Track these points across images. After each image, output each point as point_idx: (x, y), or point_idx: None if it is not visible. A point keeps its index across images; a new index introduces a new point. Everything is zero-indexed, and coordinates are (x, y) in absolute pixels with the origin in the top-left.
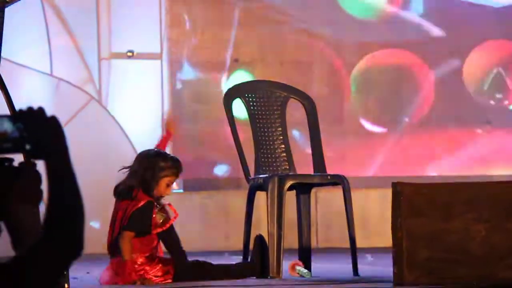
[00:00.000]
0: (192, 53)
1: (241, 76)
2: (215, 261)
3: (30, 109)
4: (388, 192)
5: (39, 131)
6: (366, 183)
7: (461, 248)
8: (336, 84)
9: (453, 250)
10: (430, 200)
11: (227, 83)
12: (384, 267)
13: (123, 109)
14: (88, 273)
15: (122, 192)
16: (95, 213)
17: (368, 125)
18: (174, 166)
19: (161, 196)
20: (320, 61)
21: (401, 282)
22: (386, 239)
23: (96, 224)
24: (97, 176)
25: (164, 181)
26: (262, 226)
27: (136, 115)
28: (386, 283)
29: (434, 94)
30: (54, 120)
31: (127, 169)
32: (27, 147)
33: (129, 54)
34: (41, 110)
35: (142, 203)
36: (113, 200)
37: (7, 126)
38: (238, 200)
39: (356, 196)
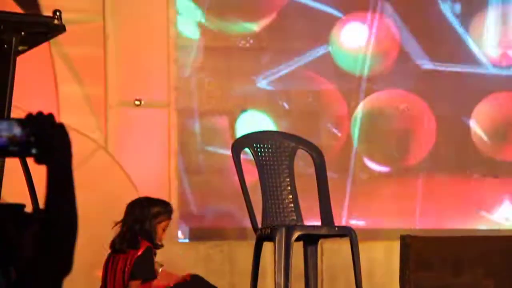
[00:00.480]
0: (200, 102)
1: (249, 126)
2: None
3: (40, 114)
4: (394, 244)
5: (47, 136)
6: (372, 235)
7: None
8: (344, 133)
9: None
10: (439, 254)
11: (235, 132)
12: None
13: (130, 158)
14: None
15: (120, 246)
16: (99, 263)
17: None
18: (167, 210)
19: (159, 243)
20: (327, 110)
21: None
22: None
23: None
24: (104, 226)
25: (160, 227)
26: (268, 277)
27: (143, 164)
28: None
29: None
30: (62, 127)
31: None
32: (33, 151)
33: (137, 102)
34: (50, 116)
35: (141, 250)
36: None
37: (16, 129)
38: (244, 250)
39: (362, 247)
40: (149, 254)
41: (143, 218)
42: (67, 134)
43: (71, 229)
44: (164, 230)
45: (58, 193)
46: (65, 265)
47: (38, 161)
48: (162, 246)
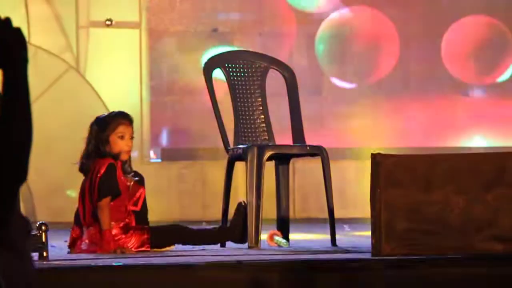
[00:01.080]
0: (171, 23)
1: (221, 46)
2: None
3: None
4: (366, 163)
5: (3, 40)
6: (344, 154)
7: (439, 220)
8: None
9: (431, 222)
10: (410, 171)
11: (206, 52)
12: (361, 238)
13: (101, 78)
14: (66, 241)
15: (84, 167)
16: (72, 181)
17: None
18: (118, 116)
19: (123, 153)
20: (299, 32)
21: (378, 252)
22: (363, 210)
23: (73, 193)
24: (75, 144)
25: (115, 135)
26: (240, 196)
27: (114, 84)
28: (364, 254)
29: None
30: (18, 31)
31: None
32: None
33: (108, 22)
34: (7, 20)
35: (103, 169)
36: None
37: None
38: (216, 170)
39: (334, 167)
40: (112, 170)
41: (98, 133)
42: (24, 38)
43: (26, 134)
44: (122, 137)
45: (13, 96)
46: (20, 172)
47: None
48: (125, 158)
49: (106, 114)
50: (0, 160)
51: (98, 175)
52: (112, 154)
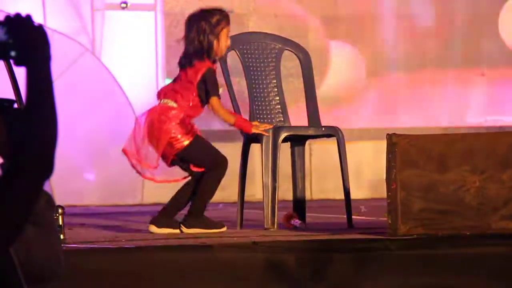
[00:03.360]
0: (186, 5)
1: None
2: (210, 213)
3: (18, 15)
4: (383, 144)
5: (25, 37)
6: (360, 134)
7: (455, 199)
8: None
9: (447, 201)
10: (425, 152)
11: None
12: (378, 218)
13: (117, 61)
14: (83, 224)
15: (186, 58)
16: (89, 164)
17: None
18: (224, 14)
19: (221, 55)
20: (314, 13)
21: (395, 232)
22: (380, 191)
23: (91, 176)
24: (91, 127)
25: (224, 33)
26: (256, 178)
27: (130, 66)
28: (380, 234)
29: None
30: (41, 28)
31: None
32: (13, 53)
33: (123, 5)
34: (29, 17)
35: (203, 70)
36: (108, 150)
37: None
38: (233, 152)
39: (350, 147)
40: (214, 73)
41: (206, 28)
42: (46, 35)
43: (52, 129)
44: (228, 36)
45: (38, 94)
46: (46, 166)
47: (17, 63)
48: (223, 54)
49: (213, 9)
50: (28, 155)
51: (206, 67)
52: (216, 55)
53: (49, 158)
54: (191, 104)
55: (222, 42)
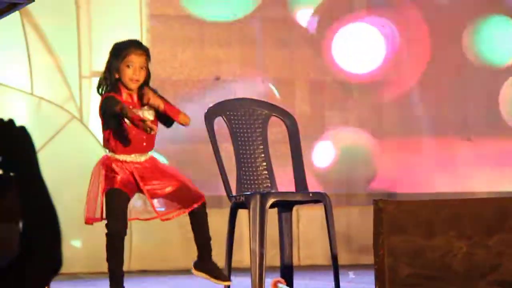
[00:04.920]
0: (173, 71)
1: (223, 94)
2: (197, 280)
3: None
4: (371, 209)
5: (9, 142)
6: (348, 200)
7: (442, 265)
8: (318, 101)
9: (434, 267)
10: (412, 217)
11: (208, 100)
12: (366, 284)
13: None
14: None
15: (99, 91)
16: (76, 232)
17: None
18: (125, 44)
19: (130, 82)
20: (302, 78)
21: None
22: (368, 256)
23: (77, 243)
24: (78, 195)
25: (124, 65)
26: (244, 244)
27: None
28: None
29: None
30: (23, 131)
31: None
32: None
33: None
34: (10, 121)
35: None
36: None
37: None
38: (220, 218)
39: (339, 213)
40: (107, 99)
41: (107, 67)
42: (29, 136)
43: (51, 233)
44: (129, 66)
45: (31, 197)
46: (51, 267)
47: (3, 168)
48: (133, 88)
49: (121, 41)
50: (36, 255)
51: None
52: (124, 87)
53: (56, 255)
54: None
55: (125, 76)
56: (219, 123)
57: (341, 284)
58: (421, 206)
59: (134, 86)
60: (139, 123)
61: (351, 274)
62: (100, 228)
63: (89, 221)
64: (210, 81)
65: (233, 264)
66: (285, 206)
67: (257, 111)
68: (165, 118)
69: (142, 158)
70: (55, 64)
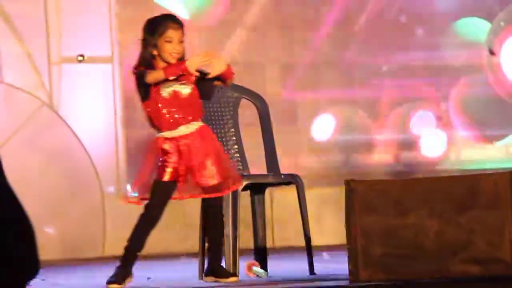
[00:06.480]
0: None
1: None
2: (171, 265)
3: None
4: (342, 190)
5: None
6: (320, 181)
7: (414, 244)
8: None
9: (406, 246)
10: (383, 197)
11: None
12: (339, 264)
13: (75, 114)
14: (43, 280)
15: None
16: (49, 218)
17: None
18: (162, 19)
19: (171, 58)
20: (272, 62)
21: (356, 279)
22: (341, 237)
23: (50, 230)
24: (50, 181)
25: (163, 40)
26: None
27: (88, 119)
28: (341, 281)
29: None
30: None
31: None
32: None
33: (80, 58)
34: None
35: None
36: (68, 204)
37: None
38: (194, 202)
39: (311, 194)
40: (141, 74)
41: (147, 38)
42: None
43: (28, 236)
44: (169, 42)
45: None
46: (27, 272)
47: None
48: (175, 59)
49: (155, 17)
50: (11, 259)
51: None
52: (161, 63)
53: (31, 260)
54: None
55: (165, 51)
56: None
57: (314, 265)
58: (392, 186)
59: (174, 61)
60: (183, 71)
61: (325, 255)
62: (74, 215)
63: (128, 201)
64: None
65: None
66: (257, 188)
67: (227, 93)
68: (206, 88)
69: (189, 129)
70: (24, 51)
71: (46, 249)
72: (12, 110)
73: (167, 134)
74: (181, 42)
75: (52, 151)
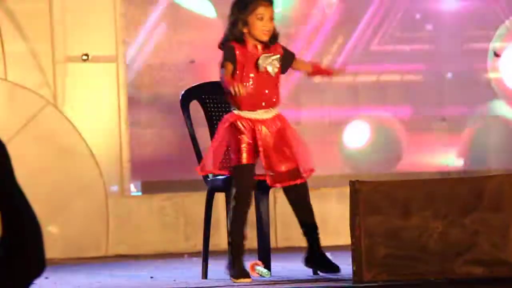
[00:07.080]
0: (148, 56)
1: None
2: (174, 264)
3: None
4: (347, 191)
5: None
6: (324, 182)
7: (418, 245)
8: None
9: (411, 247)
10: (388, 198)
11: (183, 84)
12: (343, 265)
13: (79, 113)
14: (46, 278)
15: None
16: (52, 217)
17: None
18: None
19: (262, 34)
20: None
21: (360, 280)
22: (345, 237)
23: (54, 229)
24: (54, 180)
25: (254, 17)
26: (221, 226)
27: (93, 118)
28: (345, 281)
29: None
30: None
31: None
32: None
33: (84, 57)
34: None
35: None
36: (71, 203)
37: None
38: (197, 201)
39: (315, 195)
40: (225, 51)
41: (238, 14)
42: (4, 147)
43: (35, 235)
44: (261, 19)
45: (9, 203)
46: (33, 270)
47: None
48: (264, 39)
49: None
50: (17, 257)
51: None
52: (249, 39)
53: (38, 258)
54: None
55: (255, 28)
56: (194, 107)
57: None
58: (396, 187)
59: (266, 38)
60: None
61: (328, 256)
62: (77, 214)
63: (203, 172)
64: (185, 64)
65: (210, 248)
66: (262, 188)
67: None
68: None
69: (267, 115)
70: (28, 49)
71: (49, 248)
72: (16, 108)
73: (245, 114)
74: (272, 19)
75: (56, 150)
